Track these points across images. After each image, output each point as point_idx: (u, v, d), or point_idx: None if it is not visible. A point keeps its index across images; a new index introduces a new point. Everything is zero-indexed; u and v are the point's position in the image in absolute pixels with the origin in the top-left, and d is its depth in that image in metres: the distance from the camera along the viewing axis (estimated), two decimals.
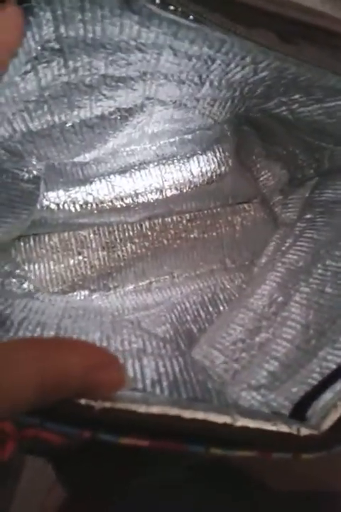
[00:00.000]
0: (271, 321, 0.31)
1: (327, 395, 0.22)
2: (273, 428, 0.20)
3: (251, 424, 0.20)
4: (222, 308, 0.37)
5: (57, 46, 0.23)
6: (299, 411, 0.23)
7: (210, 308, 0.38)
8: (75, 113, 0.30)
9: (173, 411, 0.19)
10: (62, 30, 0.22)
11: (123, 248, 0.41)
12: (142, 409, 0.19)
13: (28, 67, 0.23)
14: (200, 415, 0.19)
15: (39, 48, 0.22)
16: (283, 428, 0.20)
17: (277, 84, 0.28)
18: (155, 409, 0.19)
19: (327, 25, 0.19)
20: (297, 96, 0.30)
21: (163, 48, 0.24)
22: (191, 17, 0.19)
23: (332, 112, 0.28)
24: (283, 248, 0.36)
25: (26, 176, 0.35)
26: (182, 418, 0.19)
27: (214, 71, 0.27)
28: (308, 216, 0.37)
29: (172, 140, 0.40)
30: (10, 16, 0.18)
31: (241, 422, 0.20)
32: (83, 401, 0.18)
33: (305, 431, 0.20)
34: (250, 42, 0.20)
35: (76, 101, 0.29)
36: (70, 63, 0.25)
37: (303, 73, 0.24)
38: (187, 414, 0.19)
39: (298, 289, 0.31)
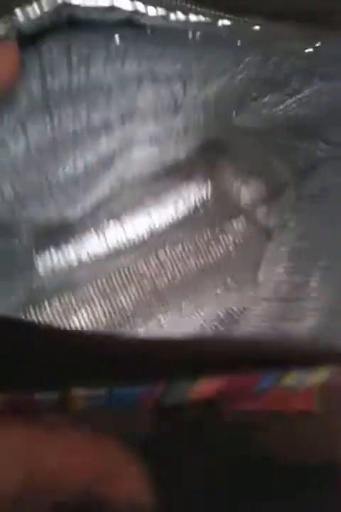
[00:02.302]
0: None
1: None
2: None
3: None
4: None
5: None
6: None
7: None
8: (60, 169, 0.31)
9: None
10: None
11: (126, 294, 0.40)
12: None
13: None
14: None
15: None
16: None
17: (252, 87, 0.29)
18: None
19: None
20: (269, 96, 0.31)
21: (144, 76, 0.25)
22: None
23: (306, 101, 0.30)
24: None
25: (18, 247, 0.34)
26: None
27: (191, 90, 0.28)
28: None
29: (153, 182, 0.41)
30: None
31: None
32: None
33: None
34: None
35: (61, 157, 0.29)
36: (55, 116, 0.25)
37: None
38: None
39: None
